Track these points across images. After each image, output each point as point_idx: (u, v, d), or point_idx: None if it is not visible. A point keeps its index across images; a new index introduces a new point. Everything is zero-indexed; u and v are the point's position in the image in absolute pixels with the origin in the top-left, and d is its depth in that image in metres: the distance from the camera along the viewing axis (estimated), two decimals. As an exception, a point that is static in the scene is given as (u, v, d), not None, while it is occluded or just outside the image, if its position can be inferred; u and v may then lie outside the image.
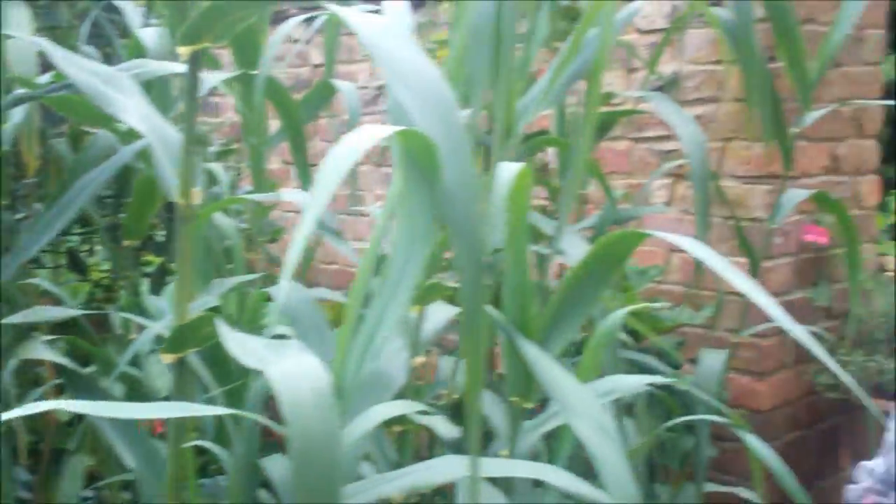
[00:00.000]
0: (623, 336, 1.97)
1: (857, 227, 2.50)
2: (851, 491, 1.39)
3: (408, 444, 1.36)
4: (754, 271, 1.86)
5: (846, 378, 0.91)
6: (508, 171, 0.98)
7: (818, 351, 0.86)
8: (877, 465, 1.38)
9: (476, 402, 0.85)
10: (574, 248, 1.43)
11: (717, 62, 2.34)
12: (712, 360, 1.87)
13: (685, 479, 1.95)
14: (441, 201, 0.83)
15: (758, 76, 1.49)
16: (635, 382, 1.21)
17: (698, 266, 1.68)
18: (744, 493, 1.79)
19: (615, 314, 1.28)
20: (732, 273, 0.94)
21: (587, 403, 1.04)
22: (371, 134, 0.82)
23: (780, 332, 2.24)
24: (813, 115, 1.79)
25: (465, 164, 0.82)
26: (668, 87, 2.37)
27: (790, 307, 2.39)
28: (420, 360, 1.36)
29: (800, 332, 0.85)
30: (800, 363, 2.43)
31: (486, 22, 1.16)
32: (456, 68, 1.20)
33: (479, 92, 1.15)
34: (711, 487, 1.92)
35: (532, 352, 1.11)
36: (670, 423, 1.43)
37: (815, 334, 2.43)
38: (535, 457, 1.24)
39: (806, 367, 2.43)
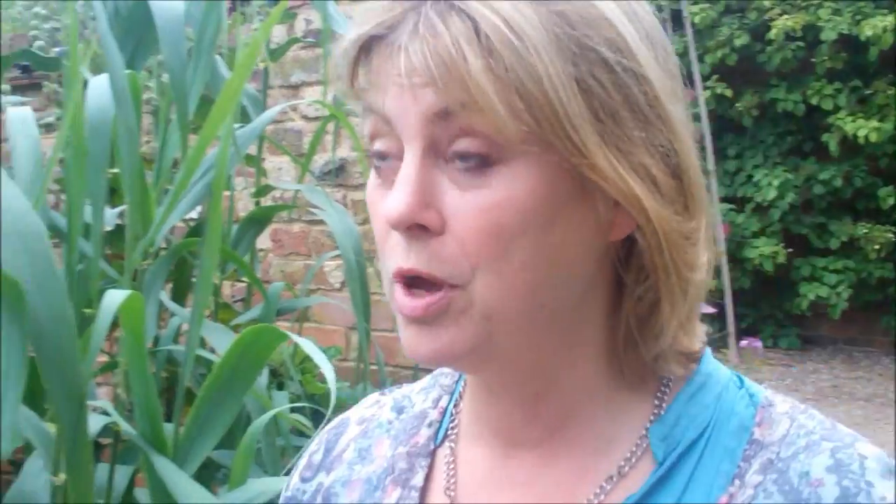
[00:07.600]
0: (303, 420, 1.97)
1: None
2: None
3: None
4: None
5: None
6: (115, 298, 0.96)
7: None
8: None
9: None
10: (219, 343, 1.42)
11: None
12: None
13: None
14: (32, 336, 0.80)
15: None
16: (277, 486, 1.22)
17: (364, 345, 1.73)
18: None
19: (267, 414, 1.30)
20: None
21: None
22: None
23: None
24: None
25: (55, 297, 0.80)
26: (336, 172, 2.44)
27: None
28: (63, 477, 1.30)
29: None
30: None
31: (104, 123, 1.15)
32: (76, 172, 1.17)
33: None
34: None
35: (167, 469, 1.09)
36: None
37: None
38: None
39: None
